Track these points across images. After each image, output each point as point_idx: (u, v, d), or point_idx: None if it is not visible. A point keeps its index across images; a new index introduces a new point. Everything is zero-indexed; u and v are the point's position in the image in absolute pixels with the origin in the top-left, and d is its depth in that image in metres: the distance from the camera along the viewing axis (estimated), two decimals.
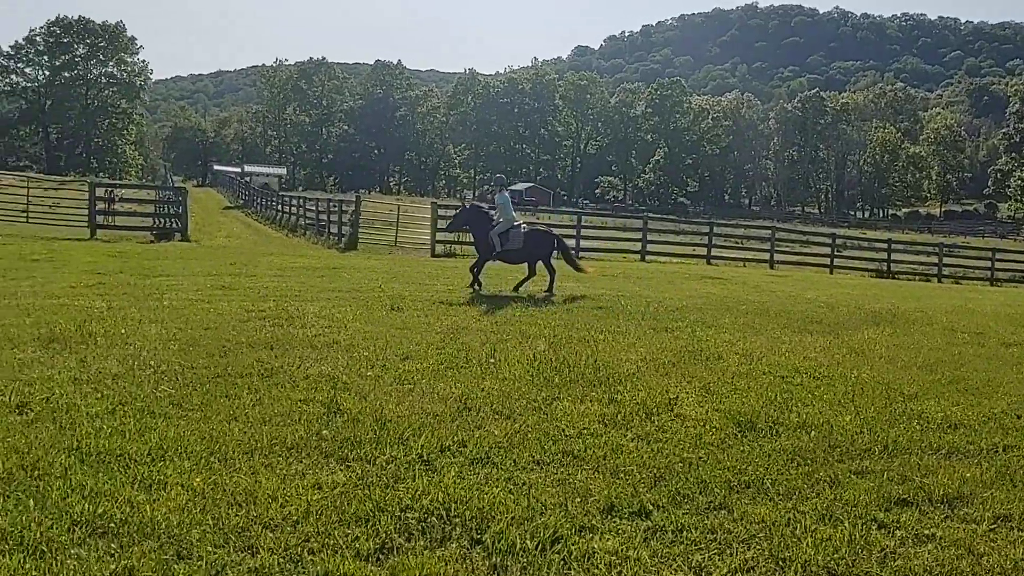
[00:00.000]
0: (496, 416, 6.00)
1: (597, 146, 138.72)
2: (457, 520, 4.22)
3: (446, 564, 3.82)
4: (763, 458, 5.49)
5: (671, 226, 39.72)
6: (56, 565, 3.51)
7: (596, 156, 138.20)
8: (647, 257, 27.77)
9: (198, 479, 4.50)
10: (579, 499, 4.62)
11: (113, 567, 3.53)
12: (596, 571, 3.87)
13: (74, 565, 3.52)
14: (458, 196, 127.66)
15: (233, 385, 6.46)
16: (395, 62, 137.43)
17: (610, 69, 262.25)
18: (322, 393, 6.33)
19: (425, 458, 5.05)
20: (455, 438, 5.42)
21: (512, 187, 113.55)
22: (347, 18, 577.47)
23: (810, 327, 11.09)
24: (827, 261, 31.73)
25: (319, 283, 13.58)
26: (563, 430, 5.78)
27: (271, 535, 3.93)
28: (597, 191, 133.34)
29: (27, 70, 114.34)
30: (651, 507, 4.58)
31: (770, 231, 33.27)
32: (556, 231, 16.07)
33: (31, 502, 4.10)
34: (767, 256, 30.84)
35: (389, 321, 9.71)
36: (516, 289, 13.32)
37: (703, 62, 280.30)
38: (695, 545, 4.19)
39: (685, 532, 4.31)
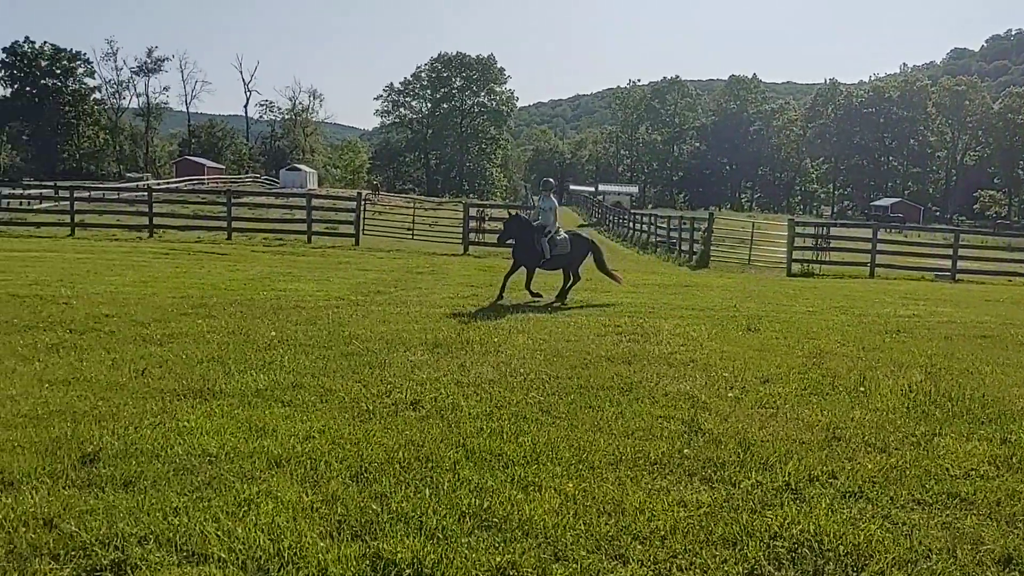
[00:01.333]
0: (868, 448, 5.61)
1: (976, 157, 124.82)
2: (830, 554, 3.99)
3: None
4: None
5: None
6: (451, 551, 3.86)
7: (975, 168, 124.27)
8: None
9: (570, 485, 4.71)
10: (969, 546, 4.17)
11: (498, 559, 3.80)
12: None
13: (465, 553, 3.85)
14: (814, 212, 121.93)
15: (595, 397, 6.70)
16: (750, 76, 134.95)
17: (993, 72, 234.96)
18: (682, 411, 6.34)
19: (792, 486, 4.85)
20: (824, 468, 5.14)
21: (877, 202, 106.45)
22: (701, 35, 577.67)
23: None
24: None
25: (672, 300, 13.69)
26: (947, 469, 5.25)
27: (640, 547, 4.00)
28: (975, 207, 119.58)
29: (413, 103, 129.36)
30: None
31: None
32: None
33: (427, 491, 4.56)
34: None
35: (746, 342, 9.51)
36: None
37: None
38: None
39: None
